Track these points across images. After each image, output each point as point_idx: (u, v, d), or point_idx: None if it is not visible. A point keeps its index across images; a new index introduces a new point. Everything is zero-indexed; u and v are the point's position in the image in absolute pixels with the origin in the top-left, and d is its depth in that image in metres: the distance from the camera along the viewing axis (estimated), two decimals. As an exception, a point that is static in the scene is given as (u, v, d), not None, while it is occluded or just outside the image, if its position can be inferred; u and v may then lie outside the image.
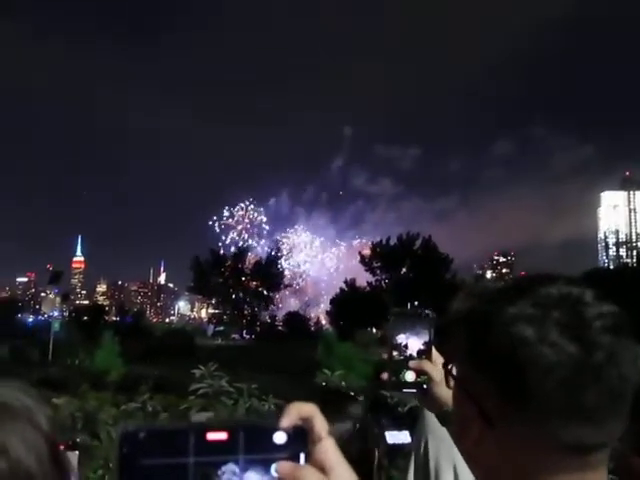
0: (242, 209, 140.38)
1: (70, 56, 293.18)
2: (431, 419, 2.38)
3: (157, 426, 0.55)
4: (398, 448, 2.80)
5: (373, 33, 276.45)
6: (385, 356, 1.35)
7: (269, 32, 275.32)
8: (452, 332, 0.96)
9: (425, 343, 1.34)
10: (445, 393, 1.33)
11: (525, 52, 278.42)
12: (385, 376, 1.35)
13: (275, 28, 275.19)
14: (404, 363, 1.33)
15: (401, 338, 1.34)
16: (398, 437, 2.84)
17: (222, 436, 0.55)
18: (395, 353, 1.34)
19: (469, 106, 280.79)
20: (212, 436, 0.55)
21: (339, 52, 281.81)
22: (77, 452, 1.30)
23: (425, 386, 1.34)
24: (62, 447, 0.87)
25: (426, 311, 1.36)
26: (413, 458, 2.54)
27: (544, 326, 0.80)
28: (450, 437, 1.40)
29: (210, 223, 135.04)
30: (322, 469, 0.57)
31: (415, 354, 1.34)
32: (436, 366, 1.33)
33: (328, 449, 0.58)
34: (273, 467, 0.56)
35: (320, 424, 0.58)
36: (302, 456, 0.57)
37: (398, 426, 2.90)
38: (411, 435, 2.73)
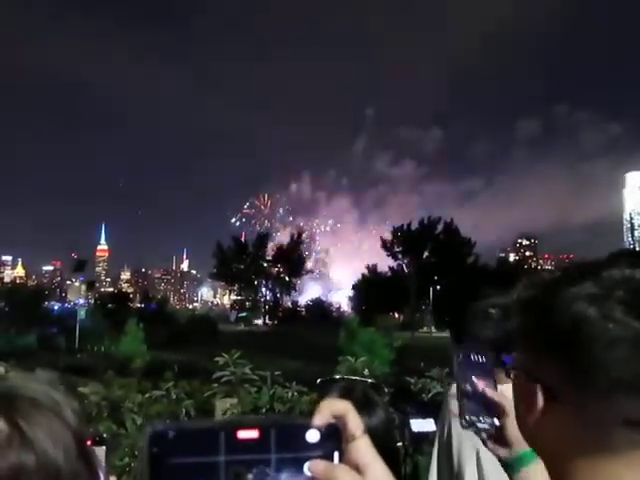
0: (264, 197, 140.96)
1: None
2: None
3: (186, 425, 0.54)
4: (423, 436, 2.80)
5: (396, 14, 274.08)
6: (456, 398, 1.32)
7: (286, 7, 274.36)
8: (511, 322, 0.97)
9: (489, 377, 1.31)
10: (516, 432, 1.26)
11: (552, 28, 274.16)
12: (456, 410, 1.31)
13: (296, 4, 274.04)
14: (476, 400, 1.30)
15: (468, 378, 1.32)
16: (423, 425, 2.83)
17: (253, 434, 0.54)
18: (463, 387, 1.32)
19: (493, 85, 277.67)
20: (243, 434, 0.54)
21: (360, 33, 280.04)
22: (104, 447, 1.30)
23: (497, 422, 1.28)
24: (89, 442, 0.86)
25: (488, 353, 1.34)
26: (437, 444, 2.55)
27: (606, 304, 0.81)
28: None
29: (229, 213, 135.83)
30: (356, 468, 0.56)
31: (481, 389, 1.30)
32: (504, 398, 1.29)
33: (362, 447, 0.57)
34: (306, 466, 0.54)
35: (354, 422, 0.57)
36: (336, 455, 0.55)
37: (423, 414, 2.90)
38: (436, 423, 2.72)
